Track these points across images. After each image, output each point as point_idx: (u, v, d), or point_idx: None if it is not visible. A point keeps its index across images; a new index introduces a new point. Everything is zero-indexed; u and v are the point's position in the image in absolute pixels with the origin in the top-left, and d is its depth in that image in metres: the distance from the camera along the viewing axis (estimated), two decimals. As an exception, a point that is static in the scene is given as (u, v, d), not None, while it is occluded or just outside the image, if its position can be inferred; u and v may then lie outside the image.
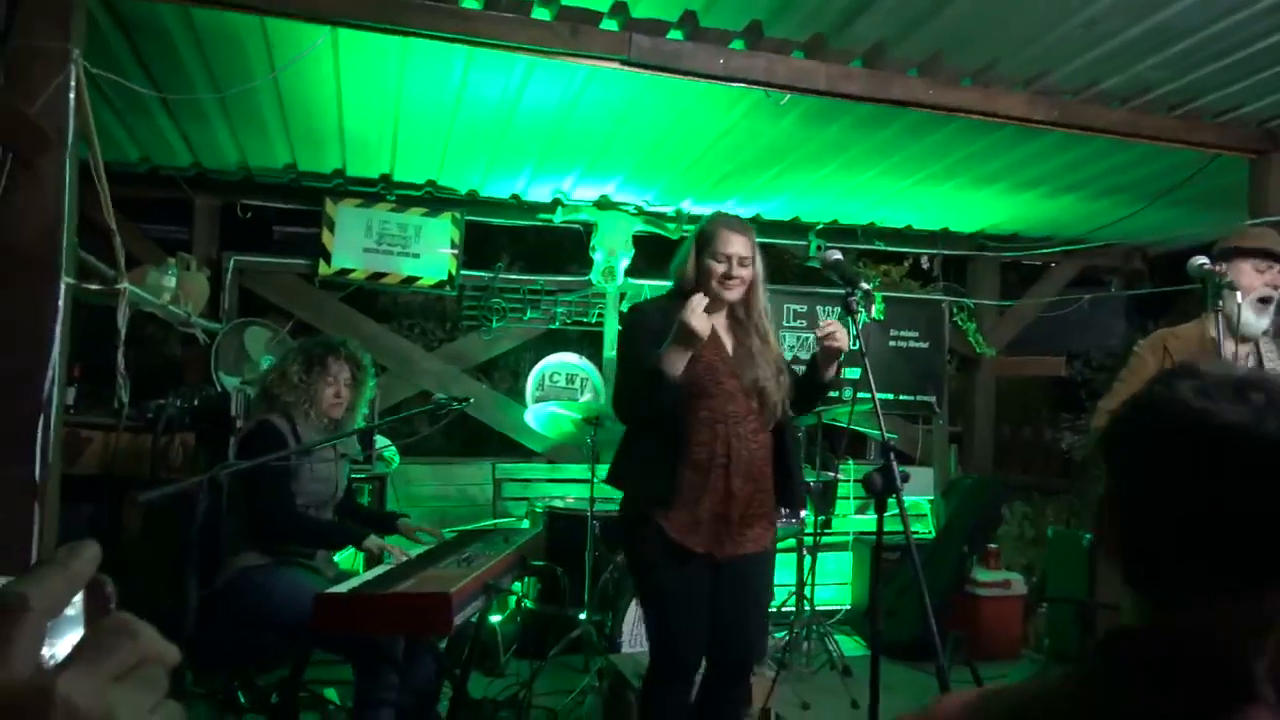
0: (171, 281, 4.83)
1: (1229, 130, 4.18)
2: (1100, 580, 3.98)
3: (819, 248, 6.24)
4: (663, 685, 2.94)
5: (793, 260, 7.08)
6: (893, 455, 2.27)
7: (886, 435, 2.34)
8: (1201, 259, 2.76)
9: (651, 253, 6.54)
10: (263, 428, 3.32)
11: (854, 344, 2.70)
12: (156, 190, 5.67)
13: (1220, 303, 2.71)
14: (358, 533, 3.39)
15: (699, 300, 2.62)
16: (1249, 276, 2.97)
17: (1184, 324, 3.17)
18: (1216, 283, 2.70)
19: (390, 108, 4.44)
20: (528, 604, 5.14)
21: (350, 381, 3.53)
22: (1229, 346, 2.91)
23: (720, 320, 2.93)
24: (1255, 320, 2.98)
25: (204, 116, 4.58)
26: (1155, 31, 3.37)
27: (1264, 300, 2.98)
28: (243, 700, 3.83)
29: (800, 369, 3.03)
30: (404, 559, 3.23)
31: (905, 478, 2.26)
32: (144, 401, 4.46)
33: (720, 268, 2.84)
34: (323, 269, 5.72)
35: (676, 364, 2.67)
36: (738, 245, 2.86)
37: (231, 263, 5.72)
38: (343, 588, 2.75)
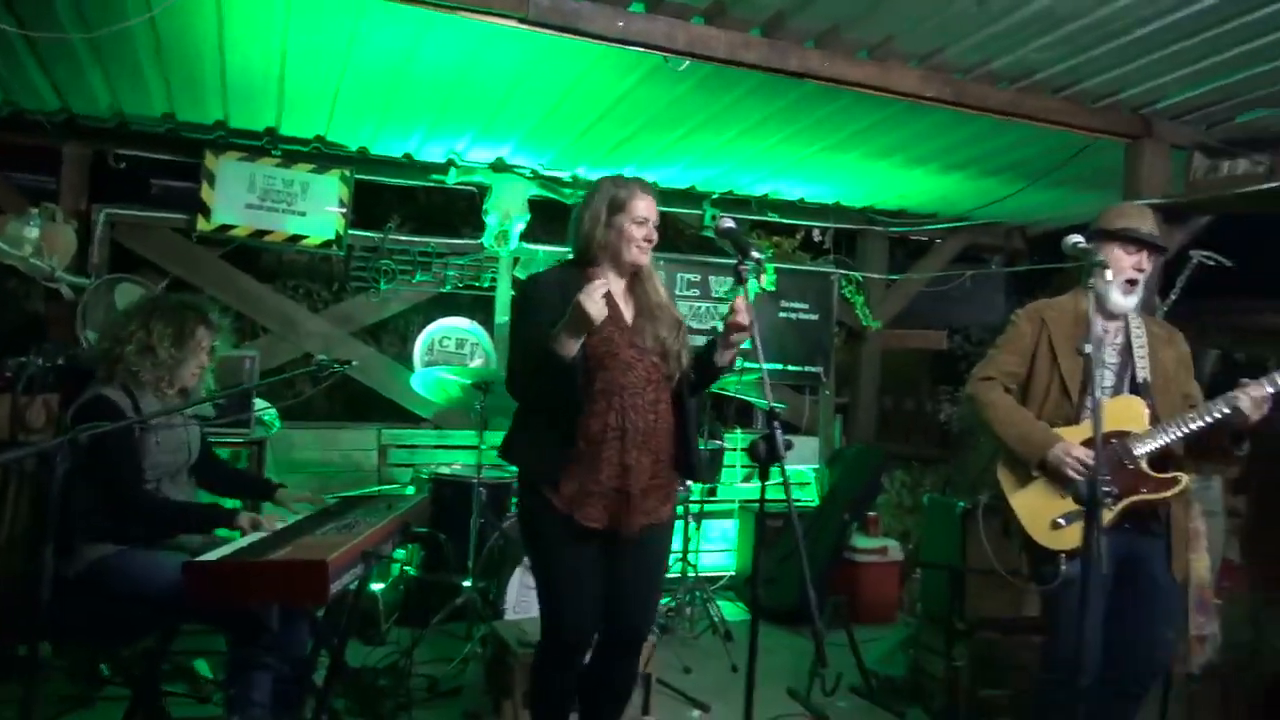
0: (34, 233, 4.55)
1: (1107, 115, 4.31)
2: (970, 546, 4.09)
3: (714, 217, 6.25)
4: (553, 662, 2.89)
5: (687, 229, 7.07)
6: (777, 424, 2.27)
7: (772, 404, 2.34)
8: (1076, 237, 2.82)
9: (546, 218, 6.44)
10: (99, 405, 3.03)
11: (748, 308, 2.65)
12: (21, 136, 5.30)
13: (1092, 280, 2.79)
14: (225, 513, 3.17)
15: (600, 285, 2.54)
16: (1118, 258, 3.05)
17: (1060, 297, 3.26)
18: (1089, 261, 2.78)
19: (276, 57, 4.23)
20: (410, 571, 5.05)
21: (210, 350, 3.35)
22: (1100, 322, 3.00)
23: (619, 286, 2.86)
24: (1123, 300, 3.07)
25: (74, 58, 4.28)
26: (1043, 14, 3.44)
27: (1131, 282, 3.07)
28: (105, 673, 3.68)
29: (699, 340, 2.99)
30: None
31: (789, 446, 2.26)
32: (4, 360, 4.20)
33: (639, 231, 2.78)
34: (201, 225, 5.45)
35: (570, 346, 2.59)
36: (651, 208, 2.82)
37: (103, 215, 5.40)
38: (213, 555, 2.62)
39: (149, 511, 3.06)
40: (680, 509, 5.37)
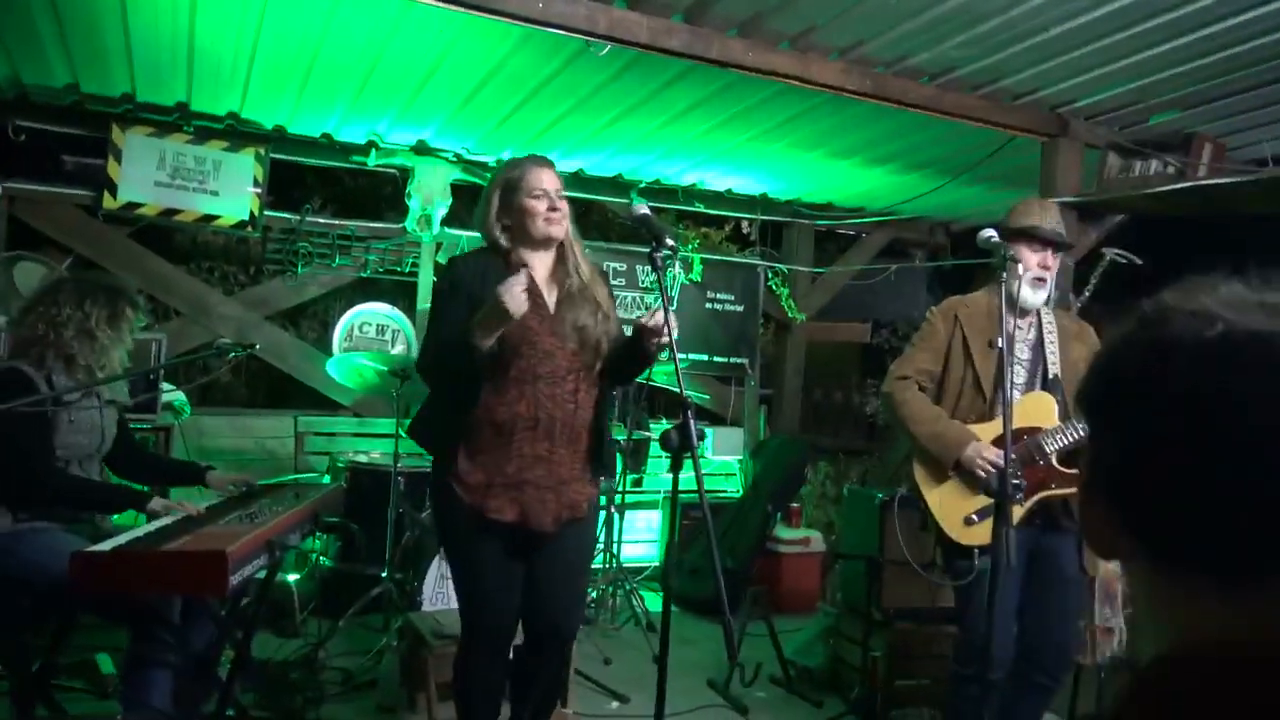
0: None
1: (1025, 112, 4.39)
2: (887, 538, 4.15)
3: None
4: (474, 657, 2.82)
5: (615, 218, 7.06)
6: (690, 413, 2.26)
7: (686, 393, 2.32)
8: (990, 231, 2.87)
9: (470, 202, 6.36)
10: (10, 377, 2.94)
11: (666, 301, 2.55)
12: (-91, 104, 5.08)
13: (1004, 275, 2.84)
14: (137, 494, 3.10)
15: (521, 280, 2.49)
16: (1025, 255, 3.09)
17: (974, 294, 3.31)
18: (1001, 255, 2.83)
19: (183, 26, 4.08)
20: (326, 562, 4.95)
21: (133, 331, 3.25)
22: (1011, 319, 3.04)
23: (544, 267, 2.78)
24: (1033, 295, 3.12)
25: (-37, 23, 4.10)
26: (960, 10, 3.48)
27: (1039, 279, 3.12)
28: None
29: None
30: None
31: (701, 435, 2.25)
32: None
33: (541, 204, 2.70)
34: (108, 202, 5.26)
35: (487, 338, 2.55)
36: (550, 179, 2.74)
37: (0, 189, 5.18)
38: (105, 545, 2.53)
39: (57, 488, 2.97)
40: (604, 499, 5.36)
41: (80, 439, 3.09)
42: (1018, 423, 2.92)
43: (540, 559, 2.77)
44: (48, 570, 2.73)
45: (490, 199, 2.75)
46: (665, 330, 2.50)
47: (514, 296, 2.46)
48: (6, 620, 2.95)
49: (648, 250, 2.44)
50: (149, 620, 2.84)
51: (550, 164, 2.80)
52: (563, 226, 2.76)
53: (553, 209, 2.72)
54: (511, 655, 2.94)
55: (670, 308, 2.49)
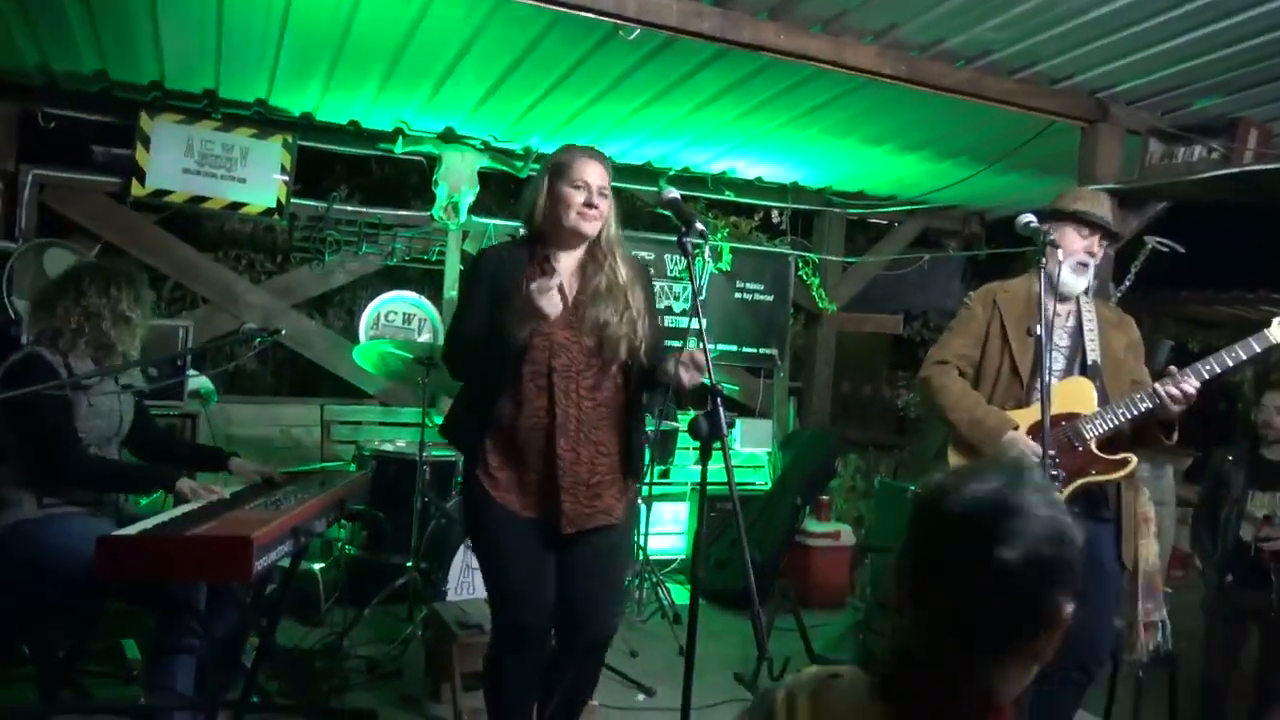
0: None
1: (1064, 98, 4.32)
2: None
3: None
4: (506, 653, 2.78)
5: (644, 207, 7.03)
6: (720, 400, 2.23)
7: (715, 381, 2.30)
8: (1029, 216, 2.83)
9: (498, 190, 6.37)
10: (34, 362, 2.97)
11: (697, 288, 2.51)
12: (-61, 91, 5.13)
13: (1044, 260, 2.80)
14: (166, 473, 3.11)
15: (553, 280, 2.49)
16: (1071, 239, 3.08)
17: (1012, 280, 3.27)
18: (1041, 240, 2.79)
19: (210, 12, 4.09)
20: (351, 551, 4.98)
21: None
22: (1050, 305, 2.99)
23: (572, 261, 2.75)
24: (1074, 281, 3.09)
25: (-8, 7, 4.12)
26: (998, -9, 3.43)
27: (1083, 264, 3.09)
28: (27, 653, 3.57)
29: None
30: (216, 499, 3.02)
31: (730, 423, 2.23)
32: (-79, 324, 4.06)
33: (579, 195, 2.64)
34: (136, 189, 5.30)
35: (520, 332, 2.55)
36: (596, 173, 2.67)
37: (30, 177, 5.23)
38: (132, 530, 2.54)
39: (85, 469, 2.99)
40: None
41: (99, 423, 3.11)
42: (1056, 409, 2.87)
43: (570, 560, 2.73)
44: (74, 556, 2.75)
45: (540, 183, 2.71)
46: (704, 370, 2.47)
47: (549, 300, 2.47)
48: (34, 607, 2.98)
49: (676, 238, 2.42)
50: (175, 606, 2.85)
51: (602, 158, 2.73)
52: (595, 225, 2.70)
53: (589, 204, 2.66)
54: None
55: (699, 296, 2.47)
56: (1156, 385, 2.90)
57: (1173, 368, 2.90)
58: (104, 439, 3.15)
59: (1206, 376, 2.89)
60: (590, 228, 2.70)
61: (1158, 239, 4.45)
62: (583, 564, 2.73)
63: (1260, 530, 3.83)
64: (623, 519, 2.79)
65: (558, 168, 2.69)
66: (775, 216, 7.42)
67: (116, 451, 3.25)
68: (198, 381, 4.88)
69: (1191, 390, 2.85)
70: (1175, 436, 2.98)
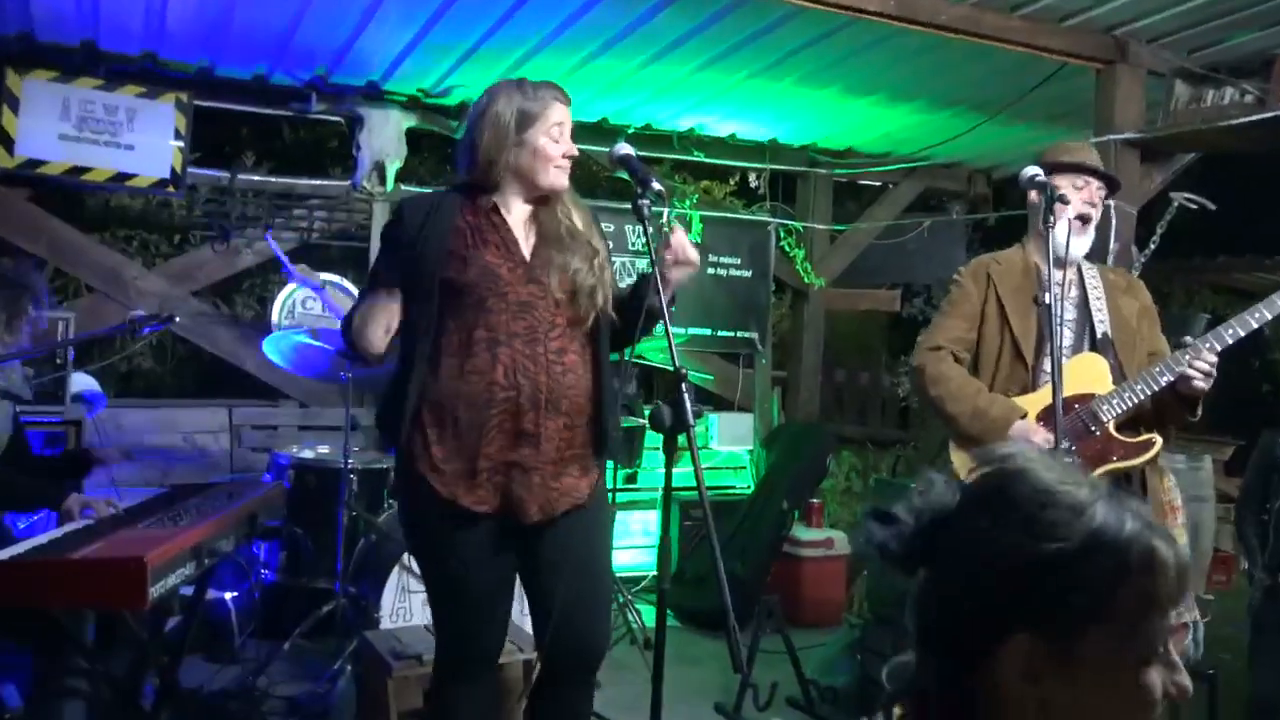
0: None
1: (1076, 36, 4.38)
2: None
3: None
4: (452, 678, 2.76)
5: (600, 171, 7.03)
6: (686, 386, 2.24)
7: (679, 366, 2.30)
8: (1034, 169, 2.87)
9: (431, 155, 6.36)
10: None
11: (656, 256, 2.50)
12: None
13: (1053, 219, 2.83)
14: (50, 491, 3.10)
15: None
16: (1067, 194, 3.08)
17: (1005, 250, 3.30)
18: (1050, 194, 2.82)
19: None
20: (269, 575, 4.96)
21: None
22: (1054, 275, 2.99)
23: (522, 212, 2.72)
24: (1076, 241, 3.11)
25: None
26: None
27: (1083, 219, 3.12)
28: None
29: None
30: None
31: (699, 412, 2.24)
32: None
33: (559, 147, 2.64)
34: (3, 159, 5.23)
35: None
36: (567, 115, 2.68)
37: (-125, 148, 5.16)
38: (4, 554, 2.52)
39: None
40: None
41: None
42: (1067, 390, 2.91)
43: (547, 564, 2.69)
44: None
45: (504, 126, 2.63)
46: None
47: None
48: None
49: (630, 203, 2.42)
50: (57, 641, 2.83)
51: (568, 97, 2.72)
52: (566, 177, 2.71)
53: (567, 155, 2.67)
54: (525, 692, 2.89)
55: (661, 268, 2.47)
56: (1175, 355, 2.94)
57: (1189, 337, 2.94)
58: None
59: (1230, 341, 2.94)
60: (564, 181, 2.71)
61: (1185, 195, 4.52)
62: (559, 561, 2.67)
63: None
64: (593, 499, 2.76)
65: (525, 115, 2.63)
66: (753, 180, 7.44)
67: None
68: (82, 382, 4.84)
69: (1209, 363, 2.89)
70: (1199, 413, 3.03)
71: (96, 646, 2.94)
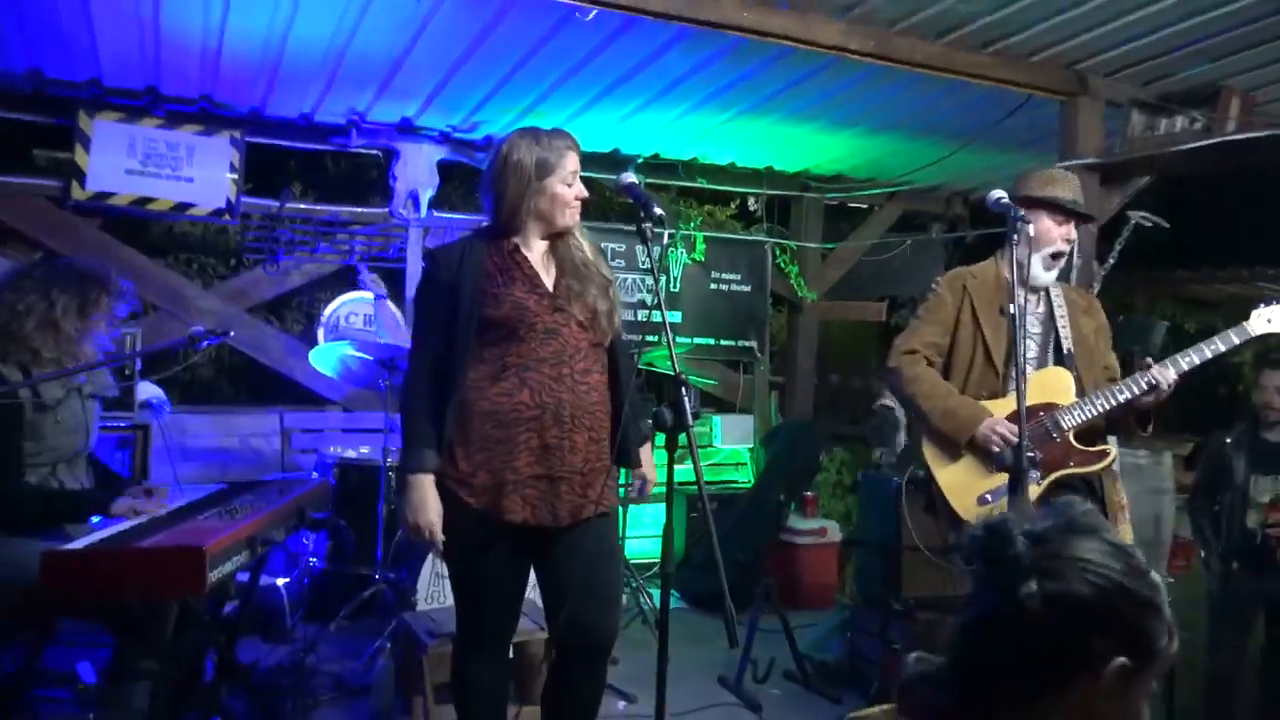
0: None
1: (1041, 70, 4.39)
2: (903, 523, 4.17)
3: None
4: (474, 663, 2.79)
5: (613, 198, 7.07)
6: (685, 388, 2.27)
7: (679, 372, 2.33)
8: (1000, 193, 2.88)
9: (460, 184, 6.40)
10: None
11: (663, 279, 2.61)
12: None
13: (1016, 239, 2.84)
14: (100, 498, 3.06)
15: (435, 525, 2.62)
16: (1046, 227, 3.08)
17: (981, 264, 3.30)
18: (1013, 217, 2.83)
19: (147, 4, 4.11)
20: (317, 563, 5.00)
21: (113, 320, 3.26)
22: (1020, 292, 2.97)
23: (539, 250, 2.74)
24: (1045, 274, 3.12)
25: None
26: (966, -39, 3.49)
27: (1055, 255, 3.12)
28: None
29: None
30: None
31: (696, 414, 2.27)
32: None
33: (573, 191, 2.68)
34: (76, 192, 5.29)
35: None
36: (577, 161, 2.71)
37: (-37, 182, 5.23)
38: (78, 543, 2.56)
39: (10, 498, 2.95)
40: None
41: (66, 439, 3.09)
42: (1033, 399, 2.92)
43: (560, 560, 2.70)
44: (23, 574, 2.76)
45: (525, 175, 2.65)
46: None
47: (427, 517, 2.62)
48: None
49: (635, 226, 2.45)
50: (130, 625, 2.86)
51: (577, 143, 2.75)
52: (578, 216, 2.76)
53: (579, 197, 2.71)
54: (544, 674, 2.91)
55: (660, 282, 2.50)
56: (1137, 375, 2.95)
57: (1149, 359, 2.95)
58: (71, 455, 3.13)
59: (1185, 368, 2.95)
60: (576, 219, 2.75)
61: (1141, 214, 4.53)
62: (575, 558, 2.69)
63: (1268, 516, 3.83)
64: (612, 508, 2.80)
65: (543, 164, 2.65)
66: (751, 203, 7.47)
67: (84, 466, 3.24)
68: (148, 390, 4.88)
69: (1167, 382, 2.91)
70: (1149, 429, 3.04)
71: (164, 628, 2.96)
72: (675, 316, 6.60)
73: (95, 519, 3.14)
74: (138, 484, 3.41)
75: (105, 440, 3.53)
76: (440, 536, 2.62)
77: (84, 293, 3.13)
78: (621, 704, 4.17)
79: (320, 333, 6.06)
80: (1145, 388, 2.94)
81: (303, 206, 6.06)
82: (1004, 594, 1.17)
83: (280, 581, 4.76)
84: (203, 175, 5.55)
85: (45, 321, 3.04)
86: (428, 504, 2.61)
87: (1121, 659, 1.14)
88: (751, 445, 6.99)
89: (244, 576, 3.36)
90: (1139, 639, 1.17)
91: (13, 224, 5.38)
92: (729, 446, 6.90)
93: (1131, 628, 1.17)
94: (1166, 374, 2.92)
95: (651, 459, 2.84)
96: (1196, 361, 2.95)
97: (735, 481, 6.83)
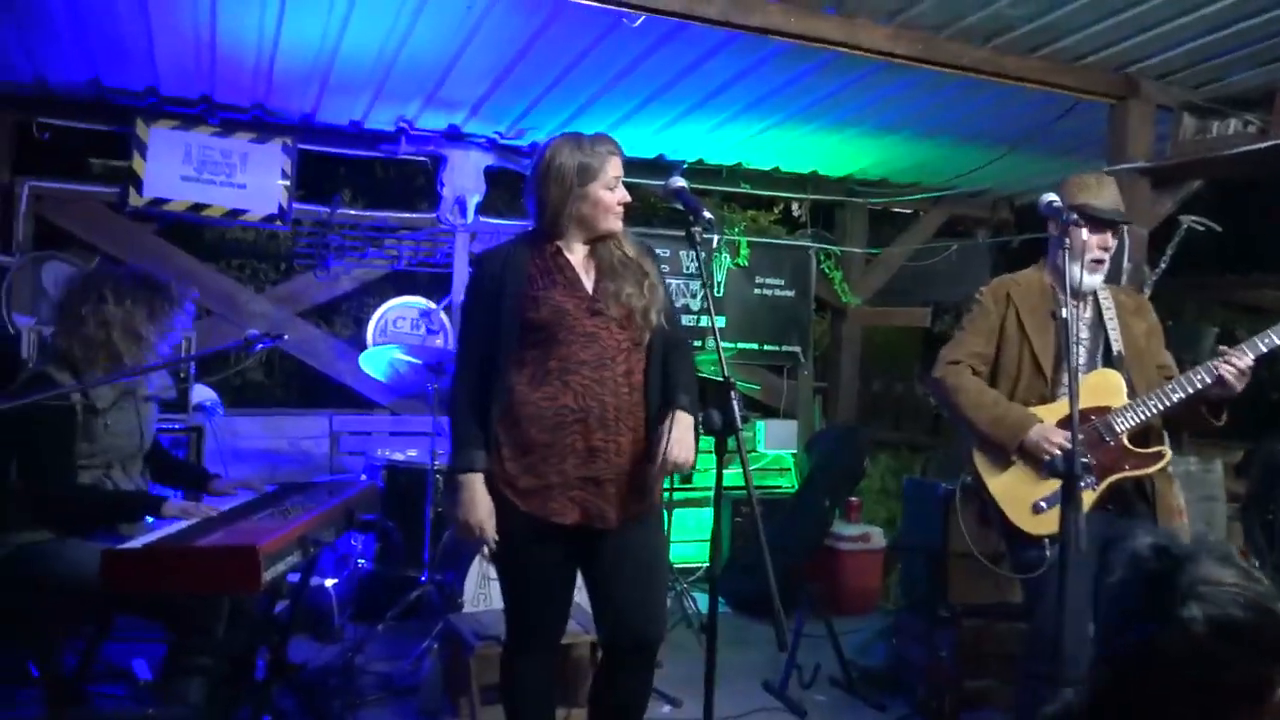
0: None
1: (1089, 74, 4.33)
2: (952, 531, 4.11)
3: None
4: (521, 655, 2.81)
5: (658, 204, 7.06)
6: (734, 393, 2.27)
7: (727, 376, 2.33)
8: (1051, 196, 2.84)
9: (505, 190, 6.43)
10: (41, 384, 2.99)
11: (706, 276, 2.58)
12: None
13: (1068, 242, 2.80)
14: (153, 499, 3.16)
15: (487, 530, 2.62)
16: (1081, 238, 3.01)
17: (1024, 271, 3.25)
18: (1065, 219, 2.79)
19: (204, 14, 4.18)
20: (365, 564, 5.04)
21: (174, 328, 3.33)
22: (1068, 294, 2.92)
23: (581, 253, 2.74)
24: (1089, 279, 3.05)
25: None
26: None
27: (1098, 261, 3.06)
28: (36, 674, 3.65)
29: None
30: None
31: (745, 418, 2.26)
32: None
33: (615, 196, 2.68)
34: (134, 198, 5.39)
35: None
36: (620, 167, 2.71)
37: (26, 188, 5.33)
38: (136, 542, 2.60)
39: (65, 501, 3.03)
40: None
41: (119, 442, 3.17)
42: (1084, 402, 2.86)
43: (607, 563, 2.70)
44: (82, 572, 2.82)
45: (567, 181, 2.66)
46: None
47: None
48: (41, 624, 3.04)
49: (684, 231, 2.44)
50: (186, 622, 2.91)
51: (620, 149, 2.75)
52: (621, 221, 2.75)
53: (622, 203, 2.71)
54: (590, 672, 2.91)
55: (710, 286, 2.50)
56: (1212, 362, 2.88)
57: (1224, 346, 2.90)
58: (128, 456, 3.21)
59: (1264, 350, 2.89)
60: (620, 225, 2.74)
61: (1194, 218, 4.45)
62: (621, 562, 2.70)
63: None
64: (658, 505, 2.80)
65: (585, 170, 2.65)
66: (795, 209, 7.43)
67: (141, 469, 3.31)
68: (202, 393, 4.96)
69: (1246, 365, 2.85)
70: (1224, 418, 2.98)
71: (218, 625, 3.00)
72: (719, 321, 6.58)
73: (149, 519, 3.22)
74: (217, 478, 3.50)
75: (161, 441, 3.59)
76: (492, 534, 2.62)
77: (152, 301, 3.22)
78: (666, 708, 4.16)
79: (369, 337, 6.12)
80: (1209, 381, 2.87)
81: (352, 212, 6.13)
82: (1162, 619, 1.12)
83: (329, 582, 4.81)
84: (255, 182, 5.62)
85: (128, 330, 3.12)
86: (478, 503, 2.61)
87: None
88: (795, 450, 6.95)
89: (294, 577, 3.40)
90: None
91: (72, 229, 5.49)
92: (773, 451, 6.88)
93: None
94: (1244, 359, 2.86)
95: (690, 434, 2.68)
96: (1277, 342, 2.88)
97: (779, 486, 6.80)
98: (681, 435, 2.63)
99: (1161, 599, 1.13)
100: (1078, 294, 3.05)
